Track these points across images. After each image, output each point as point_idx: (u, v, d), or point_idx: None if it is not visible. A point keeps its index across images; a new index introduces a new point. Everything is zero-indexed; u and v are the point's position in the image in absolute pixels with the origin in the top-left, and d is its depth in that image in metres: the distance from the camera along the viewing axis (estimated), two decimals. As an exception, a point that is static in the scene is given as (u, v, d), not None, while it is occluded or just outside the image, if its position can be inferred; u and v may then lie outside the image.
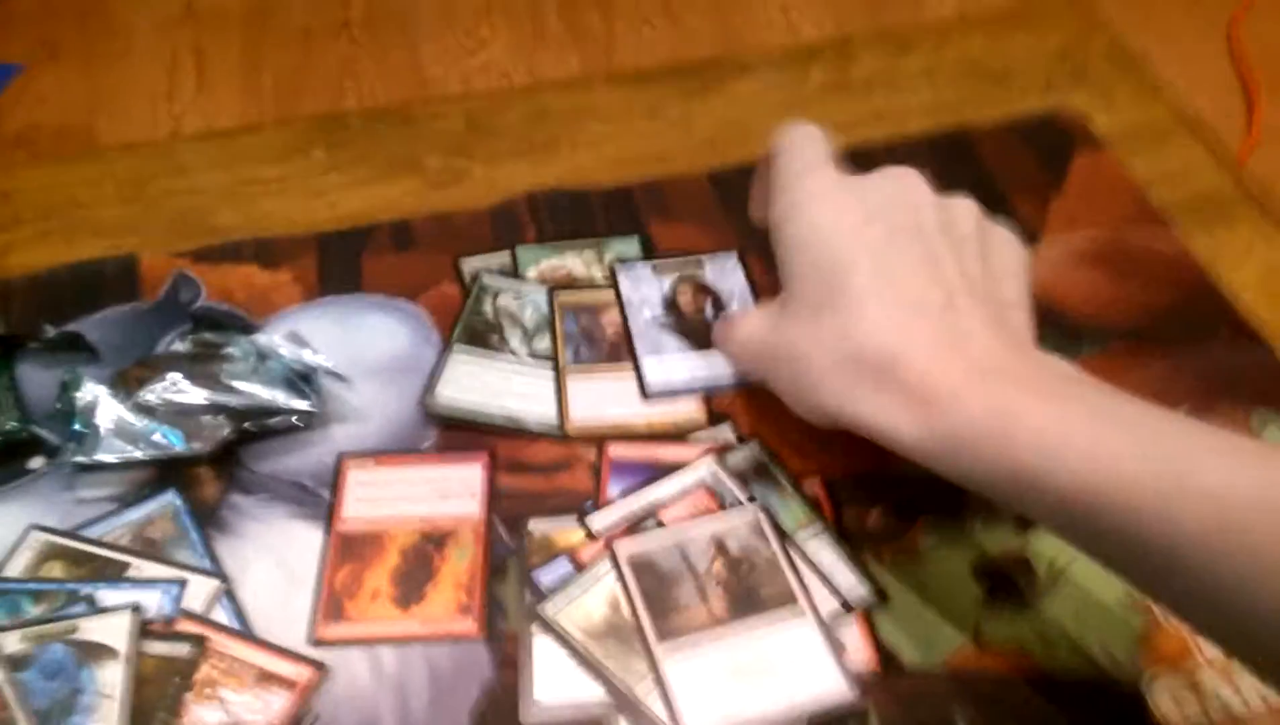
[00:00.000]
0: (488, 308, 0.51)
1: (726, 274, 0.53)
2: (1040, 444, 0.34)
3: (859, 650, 0.40)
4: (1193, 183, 0.57)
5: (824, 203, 0.42)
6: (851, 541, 0.43)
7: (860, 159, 0.57)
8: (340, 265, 0.53)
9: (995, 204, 0.55)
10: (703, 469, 0.45)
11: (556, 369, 0.49)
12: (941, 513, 0.44)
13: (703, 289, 0.52)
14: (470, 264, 0.53)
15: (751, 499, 0.44)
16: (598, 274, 0.53)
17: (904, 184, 0.43)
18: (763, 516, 0.43)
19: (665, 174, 0.57)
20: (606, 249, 0.54)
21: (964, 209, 0.43)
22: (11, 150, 1.42)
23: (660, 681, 0.39)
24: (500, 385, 0.48)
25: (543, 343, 0.50)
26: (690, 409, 0.47)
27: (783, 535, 0.43)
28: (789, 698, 0.39)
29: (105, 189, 0.57)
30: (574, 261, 0.53)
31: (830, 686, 0.39)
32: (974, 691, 0.39)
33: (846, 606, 0.41)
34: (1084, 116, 0.60)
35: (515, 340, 0.49)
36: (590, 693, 0.39)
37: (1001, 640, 0.40)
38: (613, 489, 0.45)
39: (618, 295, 0.51)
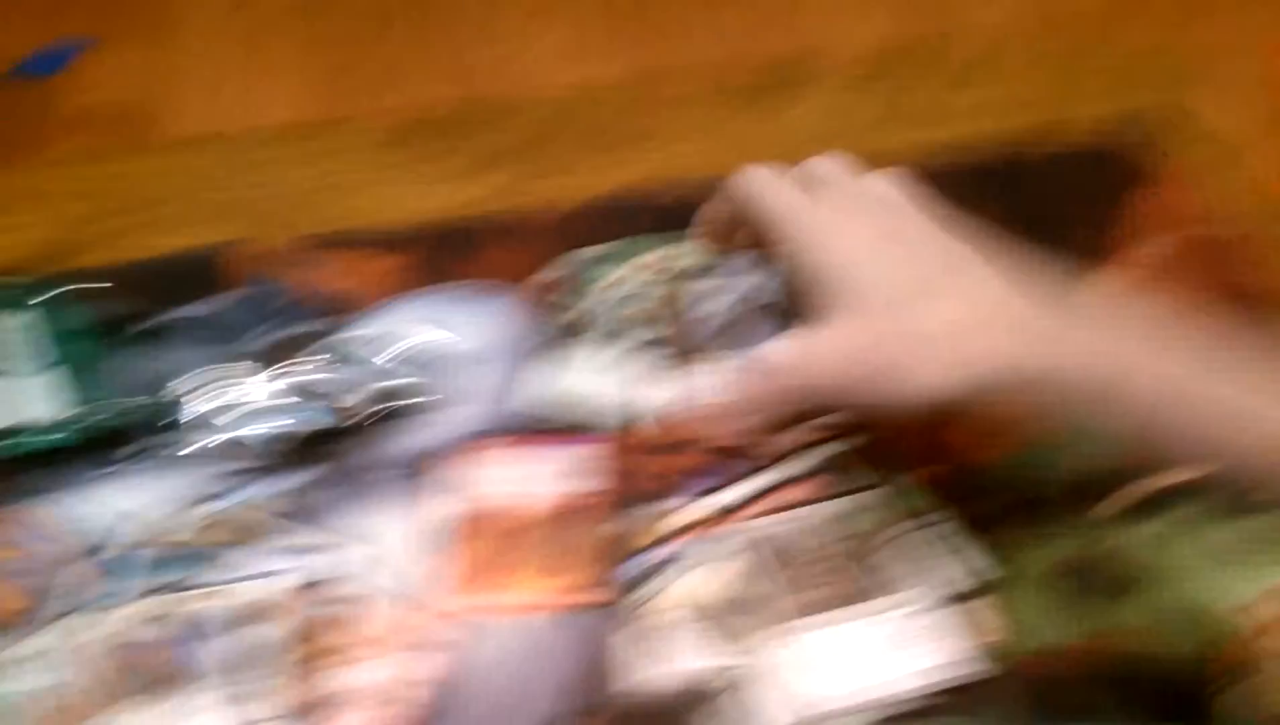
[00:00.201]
0: (586, 301, 0.53)
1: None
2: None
3: (974, 633, 0.42)
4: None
5: (831, 227, 0.42)
6: (964, 530, 0.45)
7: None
8: (435, 258, 0.55)
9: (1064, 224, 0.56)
10: (816, 455, 0.47)
11: (666, 355, 0.51)
12: (1047, 507, 0.46)
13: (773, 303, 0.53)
14: (572, 258, 0.55)
15: (872, 486, 0.46)
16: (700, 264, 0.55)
17: (855, 186, 0.44)
18: (880, 502, 0.45)
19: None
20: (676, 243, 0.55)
21: (879, 184, 0.44)
22: (69, 135, 1.45)
23: (779, 657, 0.41)
24: (606, 375, 0.50)
25: (646, 332, 0.52)
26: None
27: (898, 521, 0.45)
28: (910, 674, 0.41)
29: (192, 181, 0.59)
30: (674, 252, 0.55)
31: (950, 665, 0.41)
32: (1078, 676, 0.42)
33: (962, 593, 0.43)
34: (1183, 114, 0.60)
35: (603, 336, 0.51)
36: (708, 663, 0.42)
37: (1104, 627, 0.43)
38: (734, 468, 0.47)
39: (718, 284, 0.54)
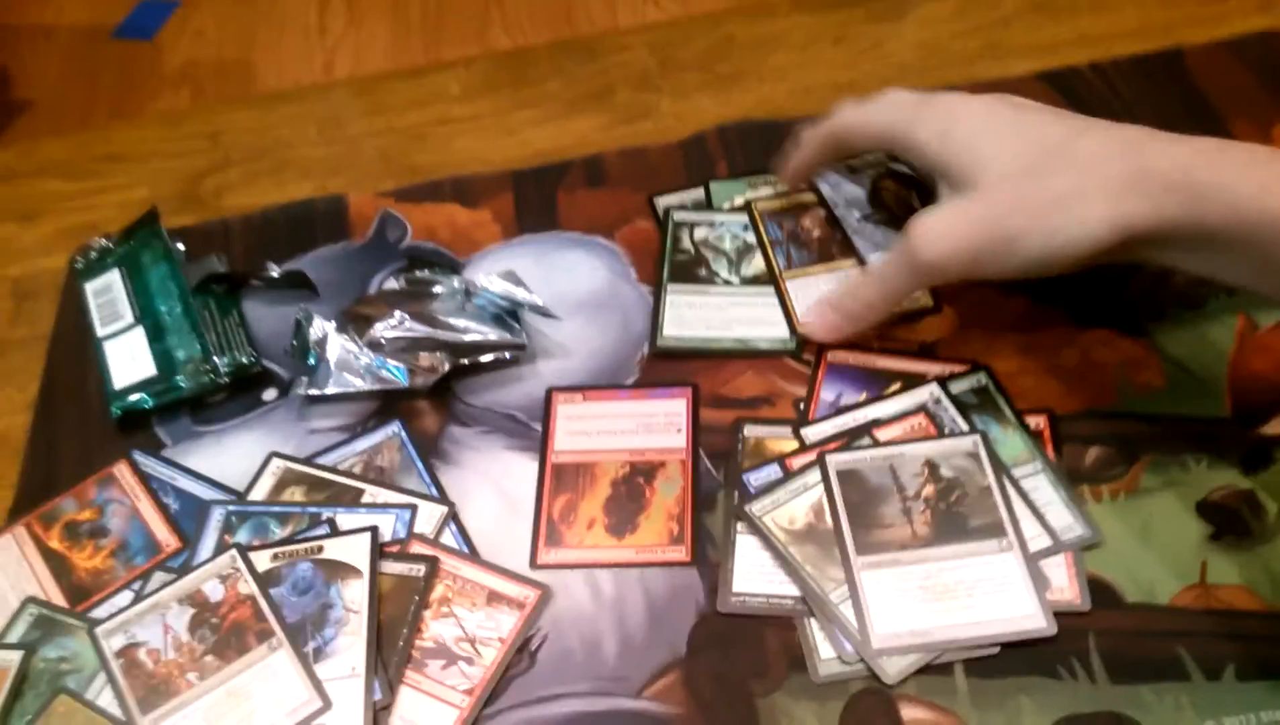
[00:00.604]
0: (687, 243, 0.51)
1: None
2: None
3: (1066, 587, 0.40)
4: None
5: (962, 103, 0.44)
6: (1070, 479, 0.42)
7: (1065, 83, 0.55)
8: (536, 202, 0.54)
9: (1212, 129, 0.53)
10: (924, 393, 0.45)
11: (774, 275, 0.49)
12: (1165, 452, 0.43)
13: (906, 181, 0.51)
14: (664, 201, 0.53)
15: (972, 428, 0.44)
16: (806, 197, 0.52)
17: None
18: (981, 446, 0.43)
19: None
20: None
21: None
22: (175, 90, 1.48)
23: (854, 590, 0.40)
24: (721, 314, 0.49)
25: (750, 268, 0.50)
26: (915, 295, 0.48)
27: (999, 467, 0.42)
28: (981, 624, 0.39)
29: (308, 129, 0.60)
30: (766, 192, 0.53)
31: (1026, 617, 0.39)
32: (1199, 628, 0.39)
33: (1057, 545, 0.41)
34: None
35: (723, 270, 0.50)
36: (785, 590, 0.41)
37: (1228, 581, 0.40)
38: (826, 394, 0.46)
39: (820, 201, 0.51)
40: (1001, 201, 0.41)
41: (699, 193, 0.53)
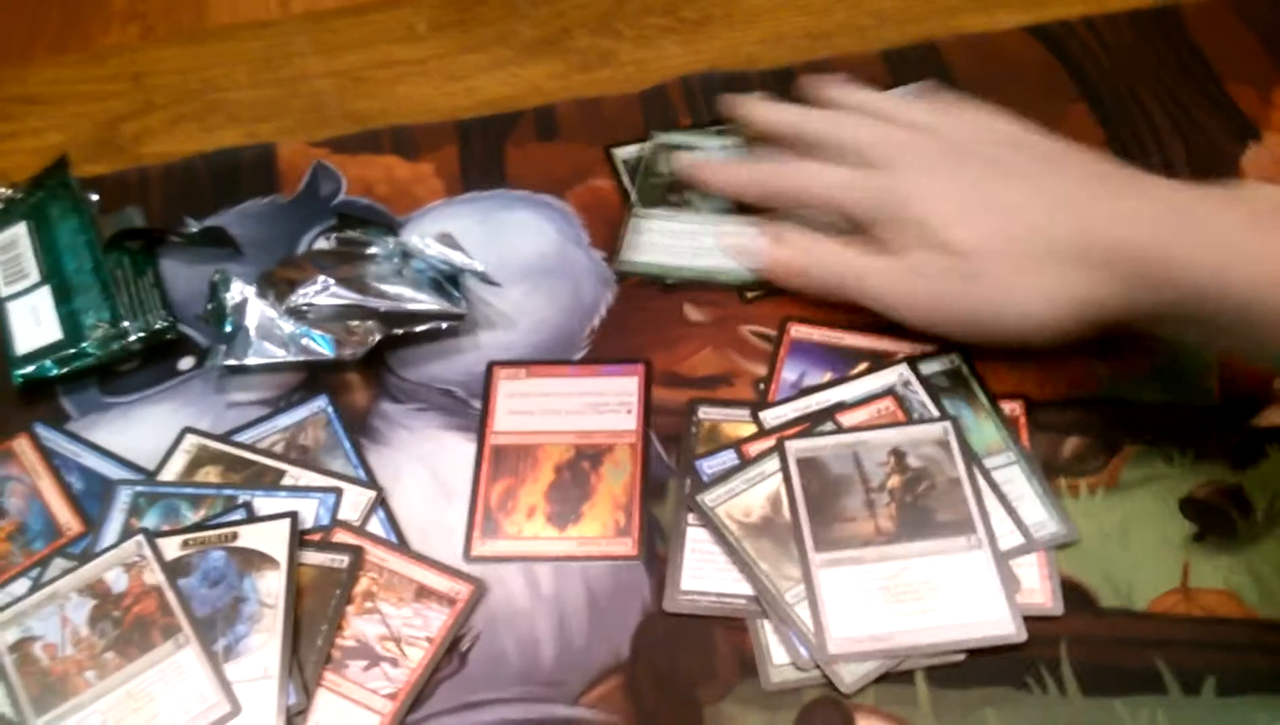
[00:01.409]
0: (663, 167, 0.48)
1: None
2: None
3: (1038, 589, 0.37)
4: None
5: (925, 181, 0.42)
6: (1046, 471, 0.39)
7: (1054, 38, 0.52)
8: (482, 156, 0.50)
9: (1208, 90, 0.49)
10: (893, 375, 0.42)
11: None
12: (1148, 443, 0.40)
13: None
14: (622, 152, 0.49)
15: (942, 415, 0.40)
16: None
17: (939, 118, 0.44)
18: (952, 434, 0.40)
19: (832, 53, 0.52)
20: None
21: (968, 119, 0.44)
22: (123, 25, 1.41)
23: (811, 590, 0.37)
24: (690, 242, 0.46)
25: (726, 200, 0.47)
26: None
27: (970, 457, 0.39)
28: (945, 628, 0.36)
29: (237, 71, 0.55)
30: (715, 146, 0.49)
31: (994, 622, 0.36)
32: (1178, 637, 0.36)
33: (1030, 544, 0.38)
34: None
35: (697, 198, 0.48)
36: (737, 589, 0.38)
37: (1212, 583, 0.37)
38: (788, 373, 0.42)
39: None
40: (969, 287, 0.40)
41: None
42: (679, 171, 0.47)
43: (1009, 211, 0.40)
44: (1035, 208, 0.39)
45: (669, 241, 0.47)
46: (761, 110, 0.47)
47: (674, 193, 0.48)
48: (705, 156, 0.48)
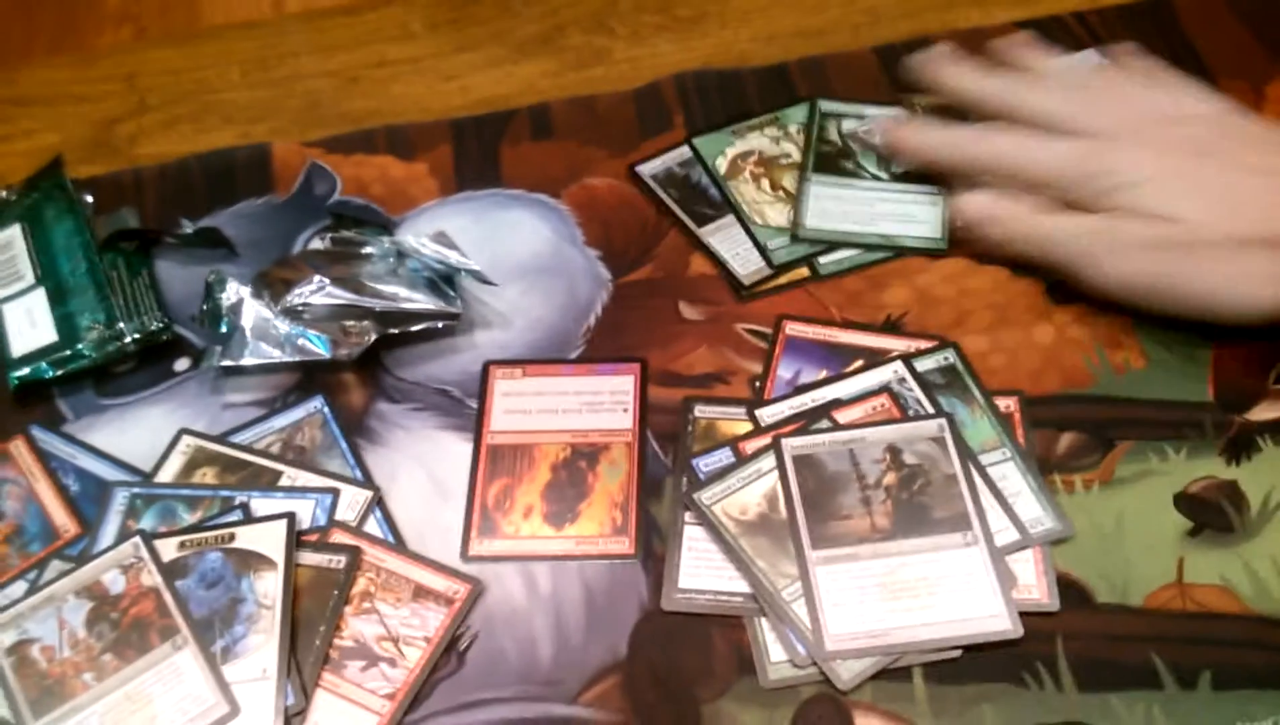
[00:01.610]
0: (834, 135, 0.49)
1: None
2: None
3: (1034, 585, 0.37)
4: None
5: (1153, 159, 0.41)
6: (1041, 467, 0.39)
7: (1047, 31, 0.52)
8: (477, 155, 0.50)
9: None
10: (888, 372, 0.42)
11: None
12: (1142, 439, 0.40)
13: None
14: (648, 168, 0.49)
15: (938, 411, 0.41)
16: (791, 149, 0.49)
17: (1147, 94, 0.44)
18: (947, 431, 0.40)
19: (826, 50, 0.52)
20: (787, 121, 0.50)
21: (1182, 94, 0.44)
22: (116, 26, 1.40)
23: (808, 587, 0.37)
24: (868, 209, 0.47)
25: (900, 165, 0.48)
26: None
27: (966, 453, 0.39)
28: (942, 624, 0.36)
29: (231, 71, 0.55)
30: (760, 141, 0.49)
31: (990, 618, 0.36)
32: (1174, 632, 0.36)
33: (1025, 539, 0.38)
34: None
35: (871, 164, 0.48)
36: (734, 587, 0.38)
37: (1207, 579, 0.37)
38: (784, 371, 0.42)
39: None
40: (1185, 258, 0.39)
41: (685, 152, 0.49)
42: (871, 137, 0.48)
43: (1229, 191, 0.39)
44: (1256, 190, 0.39)
45: (848, 208, 0.47)
46: (955, 75, 0.46)
47: (845, 159, 0.48)
48: (868, 124, 0.49)
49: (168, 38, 0.58)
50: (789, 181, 0.48)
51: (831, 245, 0.46)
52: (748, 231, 0.47)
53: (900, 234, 0.46)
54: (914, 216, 0.47)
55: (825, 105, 0.50)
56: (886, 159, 0.48)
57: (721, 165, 0.49)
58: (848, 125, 0.49)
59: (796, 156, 0.49)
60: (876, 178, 0.48)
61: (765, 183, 0.48)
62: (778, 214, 0.47)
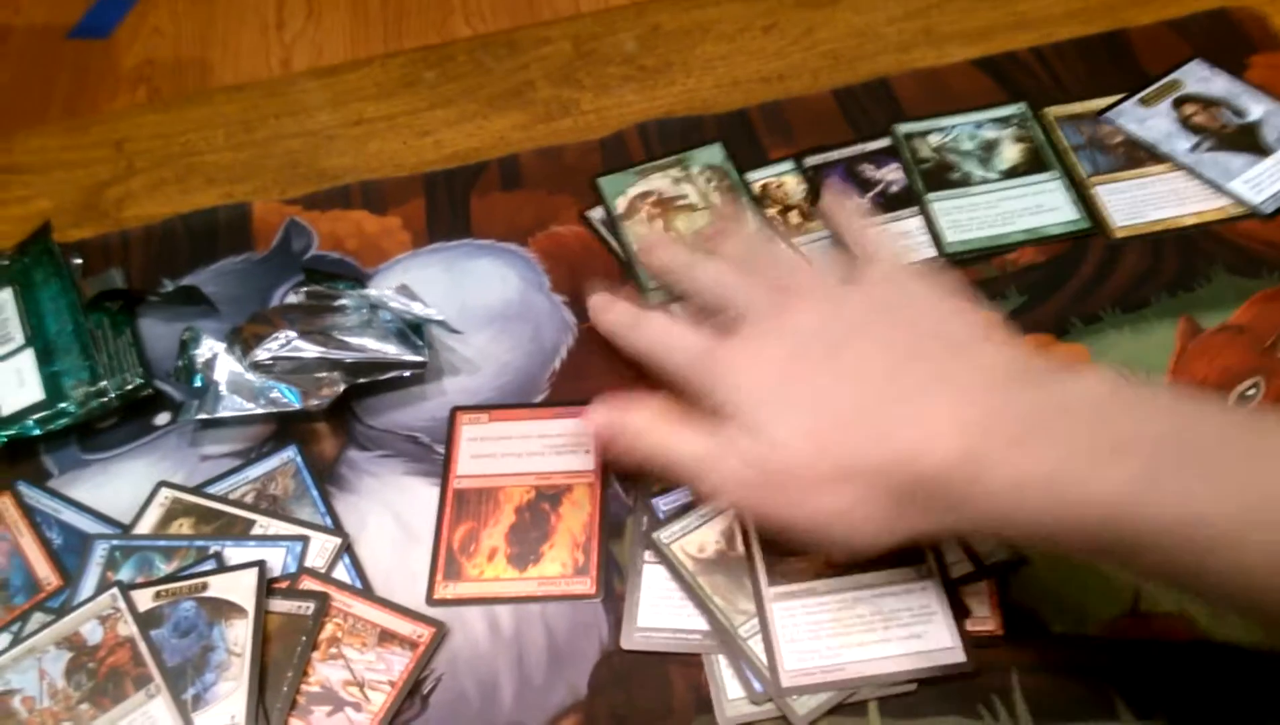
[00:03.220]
0: (927, 152, 0.50)
1: (1210, 81, 0.51)
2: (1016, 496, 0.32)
3: (989, 616, 0.37)
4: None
5: (756, 353, 0.38)
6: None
7: (1002, 69, 0.53)
8: (447, 207, 0.51)
9: (1158, 116, 0.50)
10: None
11: (1075, 180, 0.48)
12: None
13: (1208, 102, 0.50)
14: (598, 213, 0.50)
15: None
16: (689, 190, 0.50)
17: (802, 307, 0.39)
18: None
19: (786, 94, 0.53)
20: (691, 163, 0.51)
21: (870, 284, 0.39)
22: (131, 89, 1.45)
23: (764, 623, 0.38)
24: (996, 210, 0.48)
25: (1002, 161, 0.49)
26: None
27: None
28: (896, 659, 0.37)
29: (216, 134, 0.57)
30: (660, 182, 0.50)
31: (944, 652, 0.36)
32: (1131, 662, 0.36)
33: (981, 571, 0.38)
34: (1261, 15, 0.53)
35: (976, 169, 0.49)
36: (693, 624, 0.38)
37: (1164, 607, 0.37)
38: None
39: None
40: (770, 489, 0.36)
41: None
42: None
43: (823, 416, 0.35)
44: (850, 413, 0.35)
45: (977, 215, 0.48)
46: (658, 255, 0.44)
47: (949, 171, 0.49)
48: (952, 134, 0.50)
49: (157, 103, 0.60)
50: (682, 223, 0.49)
51: (982, 254, 0.47)
52: (634, 273, 0.47)
53: (1044, 225, 0.47)
54: (1046, 205, 0.48)
55: (904, 127, 0.51)
56: (986, 161, 0.49)
57: (620, 205, 0.50)
58: (934, 140, 0.50)
59: (694, 198, 0.49)
60: (986, 180, 0.49)
61: (659, 224, 0.49)
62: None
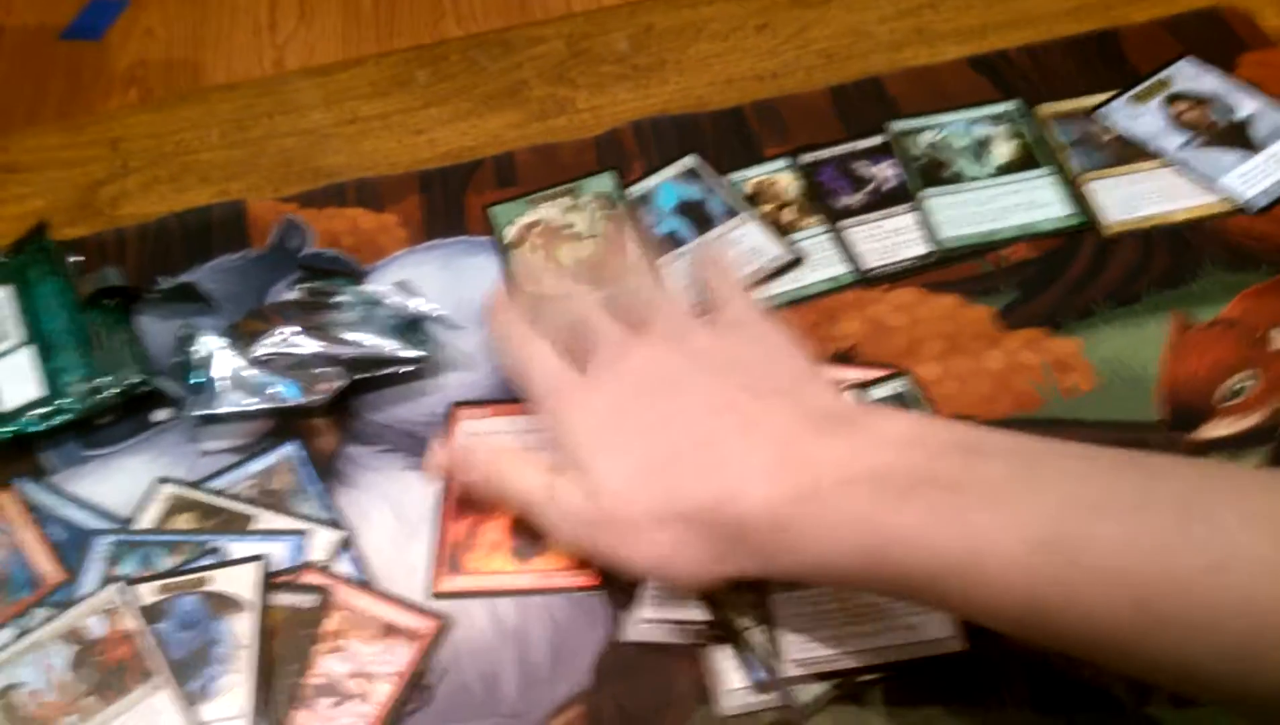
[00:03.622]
0: (918, 150, 0.50)
1: (1199, 79, 0.52)
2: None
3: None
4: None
5: (582, 402, 0.39)
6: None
7: (995, 68, 0.53)
8: (444, 204, 0.52)
9: (1148, 113, 0.50)
10: None
11: (1065, 177, 0.49)
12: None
13: (1198, 99, 0.51)
14: (497, 210, 0.51)
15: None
16: (575, 220, 0.50)
17: (637, 355, 0.40)
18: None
19: (780, 92, 0.54)
20: (582, 191, 0.51)
21: (700, 333, 0.40)
22: (124, 90, 1.44)
23: (766, 615, 0.38)
24: (991, 206, 0.49)
25: (994, 159, 0.50)
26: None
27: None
28: (897, 647, 0.37)
29: (210, 133, 0.57)
30: (549, 211, 0.50)
31: (944, 640, 0.37)
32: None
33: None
34: (1250, 14, 0.54)
35: (969, 166, 0.50)
36: (695, 615, 0.38)
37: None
38: None
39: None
40: (597, 530, 0.37)
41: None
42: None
43: (651, 455, 0.36)
44: (671, 457, 0.36)
45: (972, 211, 0.48)
46: (530, 285, 0.45)
47: (942, 168, 0.50)
48: (944, 131, 0.51)
49: (151, 103, 0.60)
50: (565, 253, 0.49)
51: (976, 249, 0.47)
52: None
53: (1038, 220, 0.48)
54: (1038, 202, 0.48)
55: (898, 125, 0.51)
56: (979, 158, 0.50)
57: (510, 233, 0.50)
58: (926, 137, 0.51)
59: (580, 227, 0.50)
60: (979, 177, 0.49)
61: (542, 253, 0.49)
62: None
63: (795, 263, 0.48)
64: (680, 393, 0.38)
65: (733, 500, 0.34)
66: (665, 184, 0.51)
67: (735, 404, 0.37)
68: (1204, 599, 0.28)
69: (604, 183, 0.51)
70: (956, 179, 0.49)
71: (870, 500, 0.32)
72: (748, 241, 0.48)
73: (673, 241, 0.49)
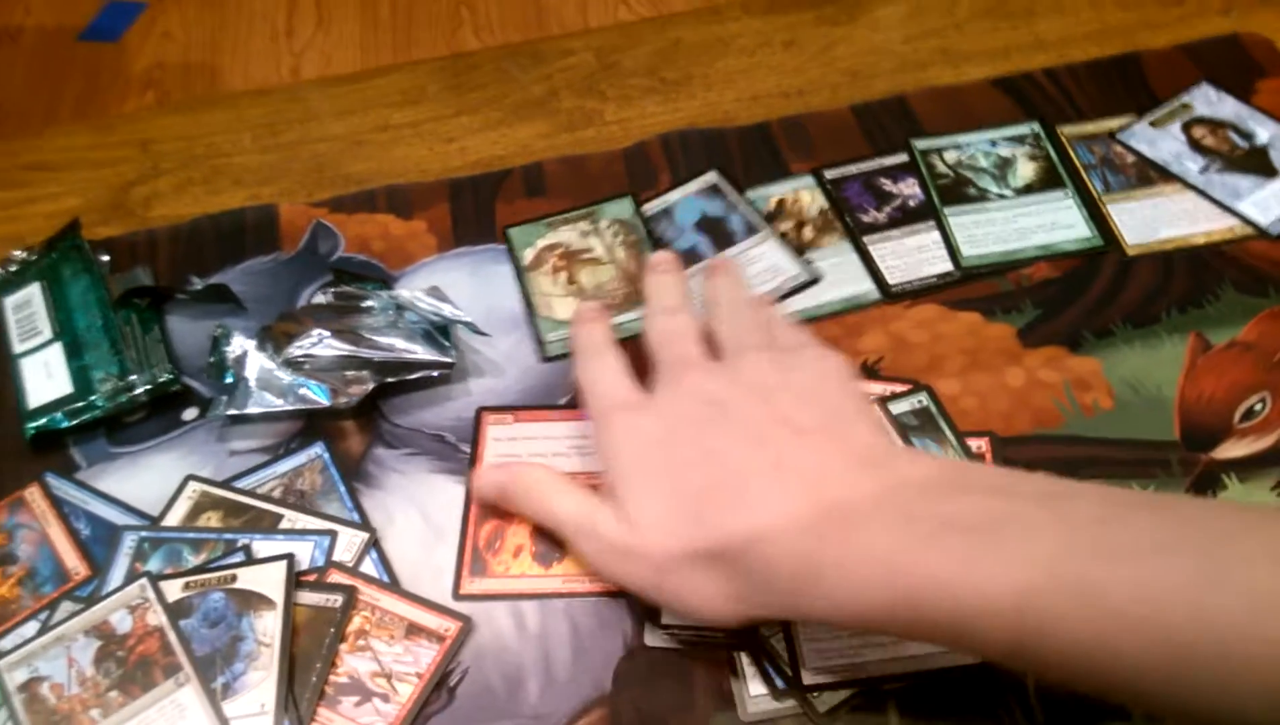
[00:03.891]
0: (943, 167, 0.51)
1: (1218, 105, 0.52)
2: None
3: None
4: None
5: (626, 434, 0.39)
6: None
7: (1018, 89, 0.54)
8: (473, 213, 0.52)
9: (1170, 137, 0.51)
10: None
11: (1092, 198, 0.50)
12: (1110, 478, 0.41)
13: (1216, 124, 0.51)
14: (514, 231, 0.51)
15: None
16: (595, 244, 0.50)
17: (689, 382, 0.39)
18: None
19: (806, 109, 0.54)
20: (601, 216, 0.51)
21: (752, 361, 0.40)
22: (140, 92, 1.46)
23: (787, 621, 0.38)
24: (1012, 226, 0.49)
25: (1017, 179, 0.50)
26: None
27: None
28: (916, 657, 0.37)
29: (242, 137, 0.58)
30: (568, 234, 0.51)
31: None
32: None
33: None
34: (1269, 41, 0.54)
35: (991, 185, 0.50)
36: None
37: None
38: None
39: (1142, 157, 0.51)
40: (629, 565, 0.37)
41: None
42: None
43: (682, 493, 0.36)
44: (704, 495, 0.36)
45: (993, 230, 0.49)
46: (652, 283, 0.45)
47: (965, 186, 0.51)
48: (969, 150, 0.52)
49: (184, 105, 0.61)
50: (586, 277, 0.49)
51: (998, 268, 0.48)
52: (536, 325, 0.48)
53: (1058, 241, 0.48)
54: (1061, 222, 0.49)
55: (921, 143, 0.52)
56: (1001, 177, 0.51)
57: (528, 256, 0.50)
58: (950, 156, 0.51)
59: (600, 251, 0.50)
60: (1002, 196, 0.50)
61: (563, 276, 0.49)
62: (565, 308, 0.48)
63: (812, 282, 0.48)
64: (723, 421, 0.37)
65: (761, 541, 0.34)
66: (687, 199, 0.52)
67: (772, 438, 0.36)
68: (1241, 642, 0.27)
69: (624, 208, 0.51)
70: (980, 198, 0.50)
71: (897, 545, 0.32)
72: (766, 259, 0.49)
73: (692, 257, 0.50)
